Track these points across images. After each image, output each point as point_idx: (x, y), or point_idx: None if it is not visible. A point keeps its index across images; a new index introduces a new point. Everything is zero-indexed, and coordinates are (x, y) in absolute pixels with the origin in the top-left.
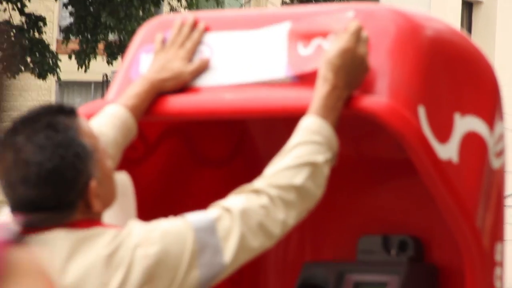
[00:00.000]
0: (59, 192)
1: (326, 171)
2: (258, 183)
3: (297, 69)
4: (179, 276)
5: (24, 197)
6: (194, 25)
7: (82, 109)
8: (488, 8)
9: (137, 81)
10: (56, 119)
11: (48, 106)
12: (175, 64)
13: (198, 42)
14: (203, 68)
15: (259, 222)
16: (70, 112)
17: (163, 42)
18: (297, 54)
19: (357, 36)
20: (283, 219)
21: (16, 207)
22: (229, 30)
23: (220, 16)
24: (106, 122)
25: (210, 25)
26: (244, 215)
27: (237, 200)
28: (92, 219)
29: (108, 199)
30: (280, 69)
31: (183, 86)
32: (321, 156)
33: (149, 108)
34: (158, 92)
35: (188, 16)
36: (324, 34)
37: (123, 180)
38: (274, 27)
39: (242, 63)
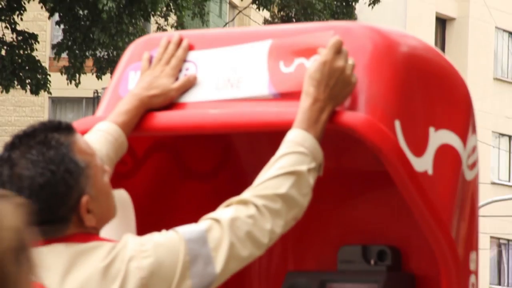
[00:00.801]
0: (51, 206)
1: (311, 180)
2: (245, 194)
3: (280, 87)
4: (172, 287)
5: None
6: (179, 43)
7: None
8: (460, 24)
9: (126, 98)
10: (50, 136)
11: (46, 122)
12: (161, 81)
13: (183, 59)
14: (189, 84)
15: (247, 231)
16: (66, 129)
17: (150, 60)
18: (279, 72)
19: (335, 50)
20: (271, 227)
21: None
22: (213, 47)
23: (204, 34)
24: (98, 138)
25: (195, 43)
26: (233, 225)
27: (226, 211)
28: (89, 233)
29: (105, 214)
30: (263, 87)
31: (170, 102)
32: (305, 166)
33: (138, 124)
34: (147, 109)
35: (173, 34)
36: (305, 53)
37: (122, 196)
38: (255, 44)
39: (226, 80)
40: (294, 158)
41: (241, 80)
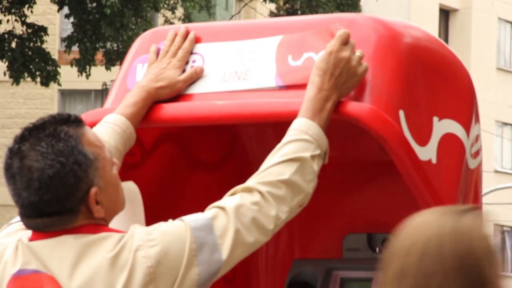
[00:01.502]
0: (60, 197)
1: (315, 166)
2: (249, 181)
3: (287, 80)
4: (180, 275)
5: (28, 203)
6: (186, 35)
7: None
8: (463, 16)
9: (133, 91)
10: (60, 128)
11: (55, 115)
12: (168, 73)
13: (190, 51)
14: (196, 76)
15: (252, 218)
16: (75, 122)
17: (157, 52)
18: (287, 65)
19: (341, 40)
20: (275, 213)
21: (24, 213)
22: (220, 41)
23: (211, 27)
24: (107, 130)
25: (203, 35)
26: (238, 212)
27: (231, 199)
28: (98, 224)
29: (113, 206)
30: (270, 79)
31: (177, 93)
32: (308, 152)
33: (146, 116)
34: (154, 100)
35: (180, 27)
36: (314, 47)
37: (131, 188)
38: (265, 39)
39: (233, 72)
40: (298, 145)
41: (248, 72)
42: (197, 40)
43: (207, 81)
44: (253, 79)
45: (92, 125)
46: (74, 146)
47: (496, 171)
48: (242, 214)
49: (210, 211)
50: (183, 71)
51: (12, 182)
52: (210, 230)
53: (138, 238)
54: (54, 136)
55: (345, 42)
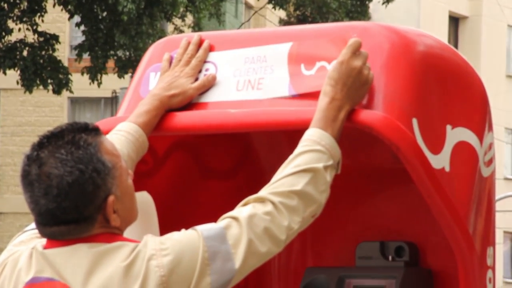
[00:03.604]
0: (79, 205)
1: (328, 177)
2: (262, 192)
3: (300, 89)
4: (193, 284)
5: (46, 210)
6: (199, 43)
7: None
8: (473, 23)
9: (146, 99)
10: (78, 136)
11: (73, 123)
12: (181, 81)
13: (203, 60)
14: (209, 84)
15: (265, 227)
16: (93, 130)
17: (170, 61)
18: (300, 74)
19: (353, 50)
20: (288, 224)
21: (40, 221)
22: (233, 49)
23: (224, 35)
24: (120, 139)
25: (215, 44)
26: (251, 222)
27: (243, 209)
28: (113, 233)
29: (128, 215)
30: (283, 88)
31: (189, 101)
32: (321, 163)
33: (159, 124)
34: (167, 109)
35: (193, 35)
36: (326, 56)
37: (146, 198)
38: (276, 46)
39: (246, 81)
40: (310, 156)
41: (261, 81)
42: (210, 49)
43: (220, 89)
44: (267, 88)
45: (106, 133)
46: (93, 153)
47: (506, 178)
48: (254, 224)
49: (223, 221)
50: (196, 79)
51: (29, 189)
52: (223, 240)
53: (151, 247)
54: (73, 144)
55: (357, 50)
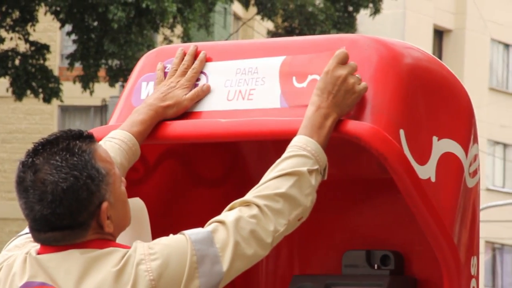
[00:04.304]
0: (73, 211)
1: (312, 181)
2: (247, 195)
3: (292, 102)
4: (182, 287)
5: (40, 216)
6: (195, 54)
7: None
8: (457, 36)
9: (141, 108)
10: (73, 143)
11: (68, 131)
12: (176, 92)
13: (199, 71)
14: (203, 94)
15: (251, 230)
16: (87, 138)
17: (164, 70)
18: (292, 86)
19: (338, 60)
20: (274, 227)
21: (34, 227)
22: (224, 60)
23: (215, 46)
24: (113, 146)
25: (207, 54)
26: (237, 225)
27: (230, 213)
28: (105, 239)
29: (121, 222)
30: (275, 100)
31: (184, 112)
32: (305, 167)
33: (150, 133)
34: (161, 119)
35: (189, 45)
36: (318, 70)
37: (138, 205)
38: (268, 59)
39: (237, 91)
40: (295, 160)
41: (252, 92)
42: (206, 59)
43: (211, 99)
44: (257, 99)
45: (99, 141)
46: (88, 160)
47: (488, 189)
48: (241, 227)
49: (210, 225)
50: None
51: (24, 196)
52: (211, 243)
53: (139, 253)
54: (68, 151)
55: (342, 61)
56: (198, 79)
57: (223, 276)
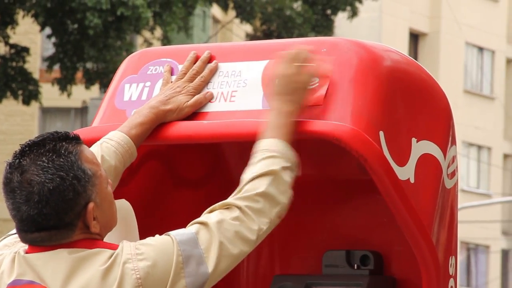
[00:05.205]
0: (59, 211)
1: (286, 178)
2: (227, 199)
3: None
4: (168, 286)
5: (27, 216)
6: (208, 61)
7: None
8: (432, 40)
9: (143, 110)
10: (60, 145)
11: (54, 133)
12: (180, 97)
13: (207, 82)
14: (205, 101)
15: (235, 231)
16: (74, 139)
17: (171, 72)
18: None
19: (279, 61)
20: (257, 225)
21: (21, 227)
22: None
23: (198, 49)
24: (109, 148)
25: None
26: (221, 227)
27: (211, 216)
28: (92, 239)
29: (108, 222)
30: (257, 102)
31: (184, 117)
32: (277, 166)
33: None
34: (161, 122)
35: (203, 49)
36: None
37: (125, 206)
38: (251, 62)
39: (219, 93)
40: (266, 162)
41: (234, 94)
42: (183, 61)
43: None
44: (240, 101)
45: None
46: (74, 161)
47: (462, 190)
48: (225, 228)
49: (193, 226)
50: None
51: (11, 196)
52: (196, 244)
53: (126, 252)
54: (55, 152)
55: (287, 61)
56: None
57: (208, 276)
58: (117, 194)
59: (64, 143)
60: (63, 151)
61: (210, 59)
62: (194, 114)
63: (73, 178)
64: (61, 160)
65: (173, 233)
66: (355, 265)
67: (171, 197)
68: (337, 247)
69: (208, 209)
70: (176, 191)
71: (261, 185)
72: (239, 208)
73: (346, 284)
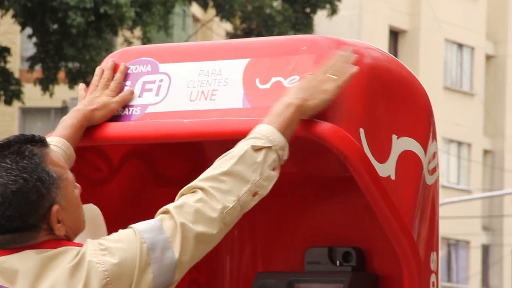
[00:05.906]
0: (23, 213)
1: (259, 157)
2: (194, 181)
3: (255, 103)
4: (135, 276)
5: None
6: (115, 67)
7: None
8: (412, 37)
9: (69, 114)
10: (24, 147)
11: (20, 135)
12: (103, 98)
13: (122, 81)
14: (130, 96)
15: (195, 211)
16: (39, 142)
17: (86, 90)
18: (255, 87)
19: (325, 71)
20: (221, 204)
21: None
22: (186, 61)
23: (178, 47)
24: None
25: (170, 55)
26: (181, 211)
27: (174, 203)
28: (59, 239)
29: (74, 226)
30: (237, 101)
31: (112, 115)
32: (249, 145)
33: (114, 133)
34: (91, 123)
35: (108, 61)
36: (282, 72)
37: (93, 210)
38: (231, 61)
39: (199, 92)
40: (242, 143)
41: (215, 93)
42: (164, 60)
43: (174, 100)
44: (220, 100)
45: None
46: (38, 164)
47: (443, 186)
48: (185, 211)
49: (157, 216)
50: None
51: None
52: (160, 231)
53: (91, 248)
54: (19, 154)
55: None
56: (161, 80)
57: (176, 262)
58: (98, 194)
59: (29, 145)
60: (27, 153)
61: (115, 67)
62: (174, 112)
63: (37, 180)
64: (25, 162)
65: (135, 225)
66: (338, 262)
67: (153, 195)
68: (319, 244)
69: (178, 195)
70: (158, 189)
71: (226, 164)
72: (202, 189)
73: (329, 280)
